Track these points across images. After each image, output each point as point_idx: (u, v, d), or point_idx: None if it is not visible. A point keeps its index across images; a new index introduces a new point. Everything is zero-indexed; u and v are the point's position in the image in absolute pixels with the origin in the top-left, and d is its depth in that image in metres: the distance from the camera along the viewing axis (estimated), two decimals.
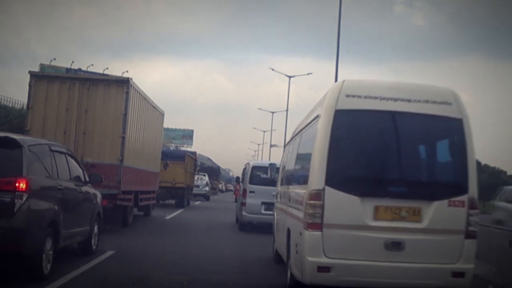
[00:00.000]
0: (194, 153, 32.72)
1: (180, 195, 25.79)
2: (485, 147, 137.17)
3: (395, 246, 6.08)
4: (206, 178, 38.84)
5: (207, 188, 38.48)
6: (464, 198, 6.22)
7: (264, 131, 70.92)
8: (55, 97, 13.14)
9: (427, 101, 6.41)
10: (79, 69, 32.06)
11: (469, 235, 6.21)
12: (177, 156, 26.89)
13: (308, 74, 51.78)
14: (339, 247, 6.12)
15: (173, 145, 68.83)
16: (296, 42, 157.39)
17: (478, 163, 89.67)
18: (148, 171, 16.58)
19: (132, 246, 11.21)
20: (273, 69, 49.72)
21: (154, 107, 16.75)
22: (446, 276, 6.12)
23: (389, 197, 6.19)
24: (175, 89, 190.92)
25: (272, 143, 65.04)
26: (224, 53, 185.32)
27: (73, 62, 13.57)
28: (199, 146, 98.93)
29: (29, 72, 13.36)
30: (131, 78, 14.03)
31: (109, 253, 9.64)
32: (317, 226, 6.11)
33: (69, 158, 8.66)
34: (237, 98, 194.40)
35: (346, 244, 6.14)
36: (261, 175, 15.77)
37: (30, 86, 13.18)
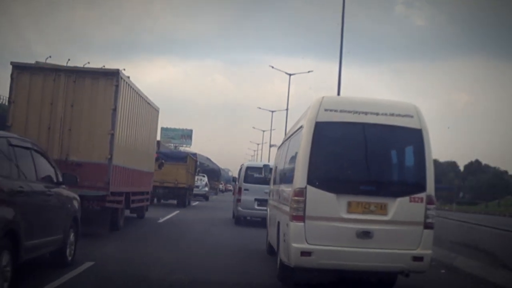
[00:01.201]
0: (195, 154, 34.12)
1: (182, 195, 26.64)
2: (485, 147, 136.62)
3: (365, 234, 7.20)
4: (205, 179, 39.78)
5: (206, 189, 39.32)
6: (422, 195, 7.34)
7: (264, 131, 69.90)
8: (38, 90, 12.07)
9: (392, 114, 7.53)
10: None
11: (427, 226, 7.32)
12: (179, 157, 27.66)
13: (308, 72, 49.99)
14: (318, 235, 7.21)
15: (171, 145, 68.01)
16: (296, 43, 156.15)
17: (479, 163, 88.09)
18: (141, 170, 15.52)
19: (117, 255, 9.89)
20: (272, 67, 48.02)
21: (148, 103, 15.69)
22: (408, 260, 7.24)
23: (360, 194, 7.32)
24: (175, 89, 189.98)
25: (272, 142, 63.72)
26: (224, 54, 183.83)
27: (69, 60, 12.49)
28: (198, 146, 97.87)
29: (11, 63, 12.29)
30: (129, 76, 13.13)
31: (88, 264, 8.34)
32: (300, 218, 7.23)
33: (36, 154, 7.33)
34: (237, 98, 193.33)
35: (324, 232, 7.23)
36: (254, 174, 17.91)
37: (12, 78, 12.13)
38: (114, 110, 12.02)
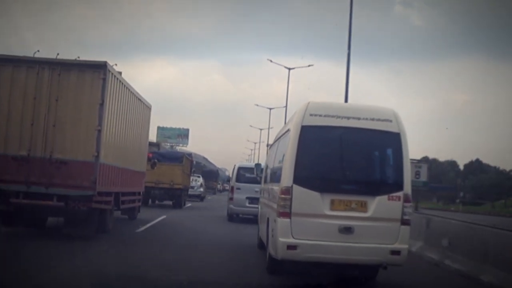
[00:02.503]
0: (190, 154, 33.66)
1: (177, 196, 26.11)
2: (484, 146, 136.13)
3: (347, 230, 7.83)
4: (201, 179, 39.10)
5: (201, 189, 38.58)
6: (400, 194, 7.97)
7: (261, 129, 68.80)
8: (21, 84, 11.30)
9: (372, 119, 8.12)
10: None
11: (404, 222, 7.94)
12: (175, 157, 27.06)
13: (308, 66, 48.66)
14: (303, 230, 7.82)
15: (168, 144, 67.46)
16: (295, 42, 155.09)
17: (479, 162, 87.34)
18: (132, 170, 14.76)
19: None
20: (271, 61, 46.38)
21: (139, 99, 14.92)
22: (386, 253, 7.86)
23: (342, 193, 7.97)
24: (173, 89, 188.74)
25: (270, 142, 62.75)
26: (223, 53, 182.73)
27: (58, 54, 11.81)
28: (195, 146, 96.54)
29: None
30: (120, 72, 12.45)
31: None
32: (287, 214, 7.85)
33: None
34: (235, 97, 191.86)
35: (309, 228, 7.84)
36: (245, 174, 18.89)
37: None
38: (101, 105, 11.29)
